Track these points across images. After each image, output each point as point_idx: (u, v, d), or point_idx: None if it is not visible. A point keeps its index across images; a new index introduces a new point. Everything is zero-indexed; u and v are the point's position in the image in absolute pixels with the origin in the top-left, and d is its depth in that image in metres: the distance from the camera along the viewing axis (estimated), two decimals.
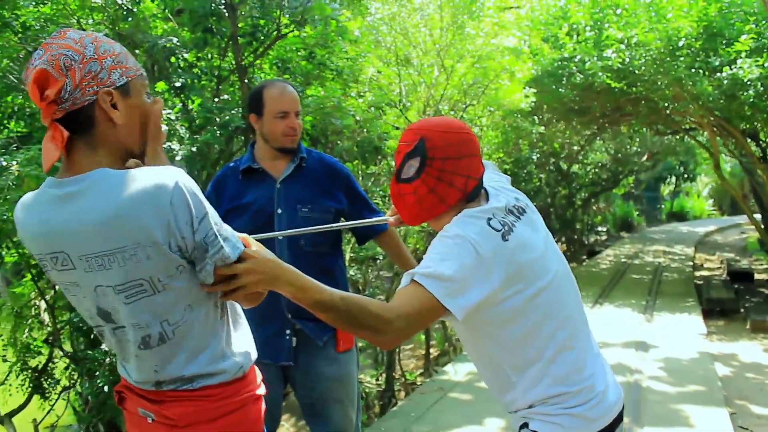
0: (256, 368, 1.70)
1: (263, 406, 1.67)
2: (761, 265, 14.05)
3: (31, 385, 4.78)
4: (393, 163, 8.40)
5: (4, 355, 4.90)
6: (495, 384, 1.79)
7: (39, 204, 1.46)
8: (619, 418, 1.76)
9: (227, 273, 1.46)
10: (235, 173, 2.81)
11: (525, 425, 1.73)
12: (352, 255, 7.72)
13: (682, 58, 8.64)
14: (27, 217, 1.48)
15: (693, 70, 8.70)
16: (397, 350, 8.34)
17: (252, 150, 2.83)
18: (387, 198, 8.92)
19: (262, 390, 1.67)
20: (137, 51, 5.04)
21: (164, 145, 4.31)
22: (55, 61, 1.37)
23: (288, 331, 2.69)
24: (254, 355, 1.67)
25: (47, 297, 4.83)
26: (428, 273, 1.55)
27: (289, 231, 2.47)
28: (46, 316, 5.10)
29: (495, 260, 1.59)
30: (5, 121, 4.68)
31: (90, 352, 4.45)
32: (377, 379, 8.30)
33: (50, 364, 4.90)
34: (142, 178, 1.37)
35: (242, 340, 1.65)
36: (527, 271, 1.65)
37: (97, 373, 4.29)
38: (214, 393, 1.54)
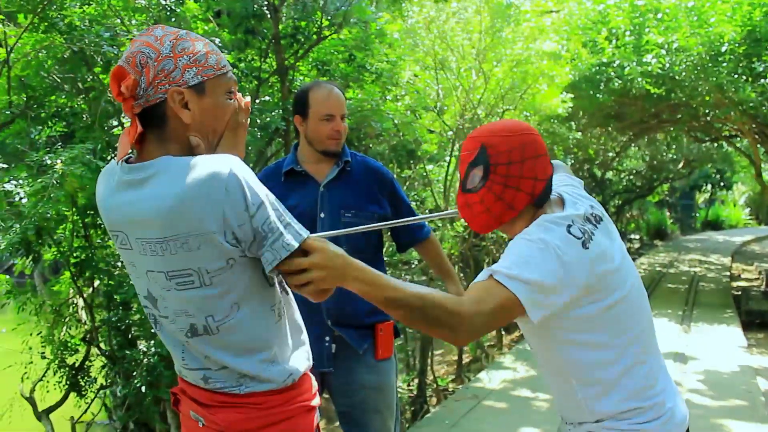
0: (312, 378, 1.65)
1: (317, 417, 1.62)
2: None
3: (68, 382, 4.81)
4: (427, 167, 8.37)
5: (43, 352, 4.94)
6: (560, 394, 1.75)
7: (109, 185, 1.51)
8: None
9: (294, 269, 1.41)
10: (277, 174, 2.74)
11: None
12: (385, 258, 7.68)
13: (724, 64, 8.48)
14: (100, 191, 1.55)
15: (735, 76, 8.53)
16: (430, 355, 8.28)
17: (295, 152, 2.77)
18: (421, 203, 8.88)
19: (316, 401, 1.63)
20: None
21: None
22: (133, 58, 1.41)
23: (327, 338, 2.64)
24: (308, 364, 1.63)
25: (85, 295, 4.87)
26: (512, 274, 1.50)
27: (350, 230, 2.34)
28: (83, 314, 5.13)
29: (577, 268, 1.54)
30: (49, 121, 4.73)
31: (128, 351, 4.47)
32: (409, 385, 8.25)
33: (87, 363, 4.93)
34: (199, 167, 1.38)
35: (297, 349, 1.61)
36: (605, 282, 1.60)
37: (134, 372, 4.30)
38: (262, 401, 1.51)
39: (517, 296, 1.48)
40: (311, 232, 2.63)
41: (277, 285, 1.55)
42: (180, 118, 1.45)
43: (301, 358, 1.61)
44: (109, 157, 4.73)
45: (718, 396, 5.61)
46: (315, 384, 1.66)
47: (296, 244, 1.40)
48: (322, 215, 2.65)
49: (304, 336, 1.67)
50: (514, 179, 1.63)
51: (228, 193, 1.35)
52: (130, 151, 1.47)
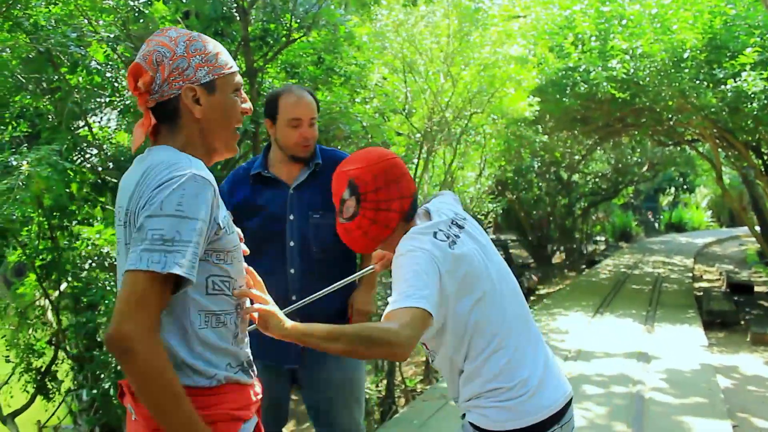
0: (253, 391, 1.64)
1: (246, 429, 1.58)
2: (761, 277, 14.07)
3: (34, 386, 4.76)
4: None
5: (7, 356, 4.88)
6: (447, 380, 2.00)
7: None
8: (557, 416, 1.87)
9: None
10: (246, 177, 2.79)
11: (463, 416, 1.95)
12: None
13: (686, 70, 8.67)
14: None
15: (697, 82, 8.73)
16: None
17: (266, 154, 2.80)
18: None
19: (247, 413, 1.59)
20: None
21: None
22: (149, 56, 1.54)
23: None
24: (241, 374, 1.60)
25: (51, 297, 4.82)
26: (410, 294, 1.69)
27: (306, 299, 2.33)
28: (50, 317, 5.08)
29: (446, 264, 1.77)
30: (14, 122, 4.68)
31: (96, 353, 4.43)
32: (377, 386, 8.28)
33: (54, 366, 4.88)
34: (168, 157, 1.49)
35: (228, 357, 1.58)
36: (470, 278, 1.82)
37: (102, 375, 4.27)
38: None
39: (425, 309, 1.67)
40: (281, 233, 2.65)
41: (205, 292, 1.54)
42: (191, 112, 1.56)
43: (232, 362, 1.58)
44: (75, 158, 4.69)
45: (679, 394, 5.74)
46: (253, 397, 1.63)
47: (135, 267, 1.37)
48: (291, 217, 2.69)
49: (245, 348, 1.66)
50: (384, 202, 1.87)
51: (145, 185, 1.44)
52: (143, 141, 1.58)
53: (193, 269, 1.40)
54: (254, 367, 1.68)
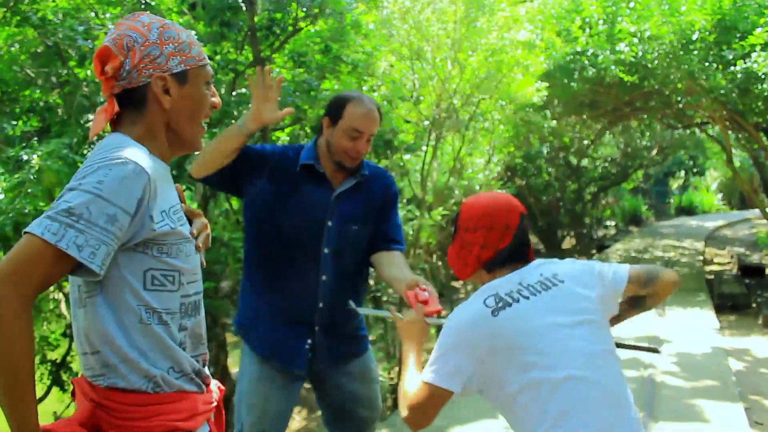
0: (201, 399, 1.52)
1: None
2: None
3: (50, 377, 4.82)
4: (404, 157, 8.41)
5: None
6: None
7: None
8: None
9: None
10: (295, 160, 2.62)
11: None
12: None
13: (695, 52, 8.59)
14: None
15: (706, 64, 8.65)
16: None
17: (315, 147, 2.65)
18: (399, 191, 8.91)
19: (190, 424, 1.46)
20: None
21: None
22: (120, 40, 1.46)
23: (309, 341, 2.61)
24: (184, 382, 1.48)
25: (65, 290, 4.86)
26: (427, 370, 1.86)
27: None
28: (64, 309, 5.13)
29: (481, 337, 1.81)
30: (24, 116, 4.71)
31: None
32: (390, 373, 8.32)
33: (68, 357, 4.94)
34: (108, 143, 1.43)
35: (170, 353, 1.46)
36: (516, 347, 1.80)
37: None
38: (116, 404, 1.40)
39: (438, 386, 1.82)
40: (318, 237, 2.58)
41: (150, 290, 1.44)
42: (159, 102, 1.49)
43: (172, 371, 1.47)
44: (85, 151, 4.72)
45: (691, 377, 5.75)
46: (201, 408, 1.52)
47: (37, 234, 1.28)
48: (330, 223, 2.59)
49: (191, 355, 1.53)
50: (468, 244, 1.97)
51: (89, 166, 1.37)
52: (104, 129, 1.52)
53: (94, 255, 1.30)
54: (205, 378, 1.56)
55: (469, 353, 1.80)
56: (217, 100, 1.61)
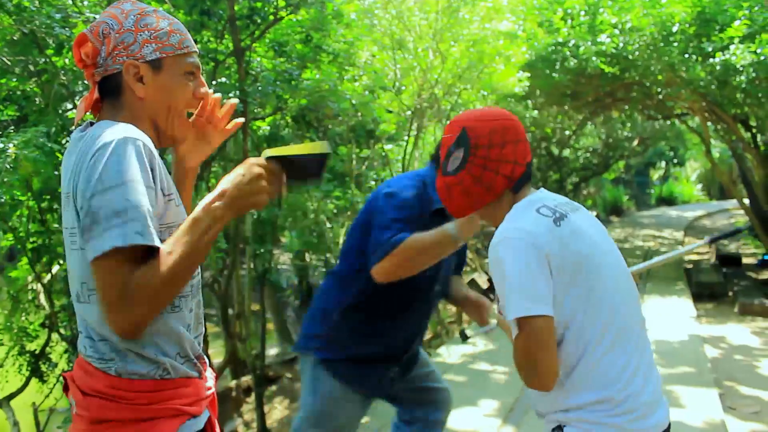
0: (203, 385, 1.54)
1: (192, 425, 1.47)
2: (749, 249, 14.19)
3: (29, 369, 4.79)
4: (386, 147, 8.42)
5: (1, 340, 4.90)
6: None
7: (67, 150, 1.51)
8: None
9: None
10: (426, 205, 2.42)
11: (559, 428, 1.64)
12: (345, 238, 7.74)
13: (675, 44, 8.66)
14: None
15: (686, 56, 8.72)
16: None
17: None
18: (381, 181, 8.93)
19: (194, 409, 1.48)
20: None
21: None
22: (97, 27, 1.47)
23: (396, 370, 2.65)
24: (188, 367, 1.49)
25: (44, 281, 4.83)
26: (528, 306, 1.54)
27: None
28: (42, 300, 5.09)
29: (549, 244, 1.57)
30: (0, 105, 4.65)
31: None
32: None
33: (48, 348, 4.91)
34: (101, 131, 1.38)
35: (178, 338, 1.47)
36: (580, 260, 1.60)
37: None
38: (123, 392, 1.40)
39: (546, 314, 1.54)
40: (435, 280, 2.56)
41: None
42: (134, 90, 1.47)
43: (179, 357, 1.48)
44: (63, 141, 4.67)
45: (668, 364, 5.83)
46: (204, 394, 1.53)
47: (102, 250, 1.28)
48: (443, 264, 2.53)
49: (197, 339, 1.56)
50: (494, 162, 1.67)
51: (89, 163, 1.33)
52: (86, 116, 1.52)
53: (152, 234, 1.31)
54: (203, 363, 1.56)
55: (545, 271, 1.56)
56: (203, 90, 1.58)
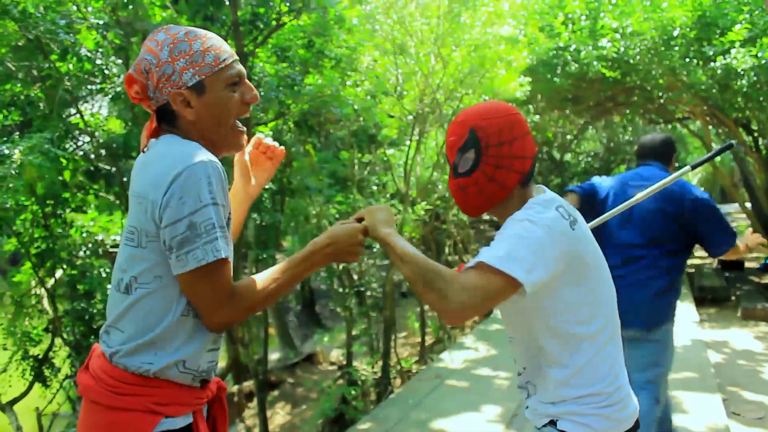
0: (193, 394, 1.57)
1: (168, 423, 1.50)
2: (751, 253, 14.17)
3: (32, 373, 4.79)
4: (387, 152, 8.43)
5: (5, 345, 4.90)
6: (533, 372, 1.76)
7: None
8: (636, 426, 1.74)
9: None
10: None
11: (552, 423, 1.68)
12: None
13: (676, 48, 8.68)
14: None
15: (687, 60, 8.74)
16: (393, 338, 8.39)
17: None
18: (383, 187, 8.94)
19: (172, 410, 1.51)
20: (133, 39, 5.03)
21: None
22: (138, 65, 1.56)
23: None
24: (185, 377, 1.54)
25: (47, 285, 4.84)
26: (501, 255, 1.53)
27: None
28: (46, 305, 5.10)
29: (563, 243, 1.58)
30: (5, 110, 4.67)
31: (92, 340, 4.46)
32: (373, 367, 8.36)
33: (51, 353, 4.91)
34: (177, 149, 1.50)
35: (195, 351, 1.54)
36: (587, 263, 1.65)
37: None
38: (111, 379, 1.49)
39: (512, 276, 1.50)
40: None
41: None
42: (185, 115, 1.56)
43: (178, 366, 1.53)
44: (67, 146, 4.69)
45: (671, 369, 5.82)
46: (192, 400, 1.56)
47: (202, 263, 1.45)
48: None
49: (209, 358, 1.61)
50: (506, 159, 1.68)
51: (170, 188, 1.43)
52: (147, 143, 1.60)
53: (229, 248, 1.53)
54: (209, 378, 1.62)
55: (553, 258, 1.56)
56: (251, 94, 1.63)
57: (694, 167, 2.52)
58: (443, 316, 1.53)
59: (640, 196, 2.57)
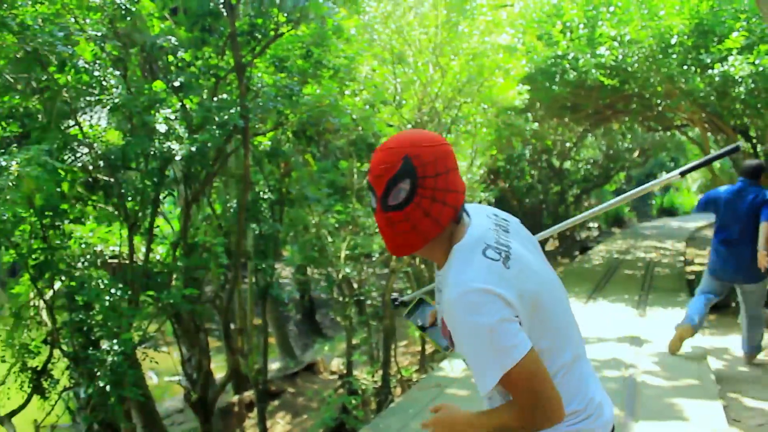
0: None
1: None
2: None
3: (30, 385, 4.78)
4: None
5: (3, 357, 4.89)
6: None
7: None
8: (613, 429, 1.72)
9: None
10: None
11: None
12: (347, 252, 7.75)
13: (674, 56, 8.71)
14: None
15: (685, 67, 8.77)
16: (393, 347, 8.37)
17: None
18: None
19: None
20: (132, 50, 5.05)
21: (164, 145, 4.29)
22: None
23: None
24: None
25: (46, 297, 4.83)
26: (508, 347, 1.45)
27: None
28: (44, 316, 5.09)
29: (509, 292, 1.49)
30: (3, 122, 4.67)
31: (91, 351, 4.46)
32: (373, 376, 8.34)
33: (50, 365, 4.90)
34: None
35: None
36: (534, 296, 1.55)
37: (98, 373, 4.30)
38: None
39: (527, 348, 1.46)
40: None
41: None
42: None
43: None
44: (65, 158, 4.70)
45: (671, 377, 5.81)
46: None
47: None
48: None
49: None
50: (441, 192, 1.53)
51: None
52: None
53: None
54: None
55: (510, 318, 1.48)
56: None
57: (682, 174, 2.45)
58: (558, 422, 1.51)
59: (619, 198, 2.50)
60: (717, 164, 15.26)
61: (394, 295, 2.46)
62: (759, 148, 11.29)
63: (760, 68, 7.68)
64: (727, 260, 5.78)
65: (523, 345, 1.46)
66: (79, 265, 4.90)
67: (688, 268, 13.40)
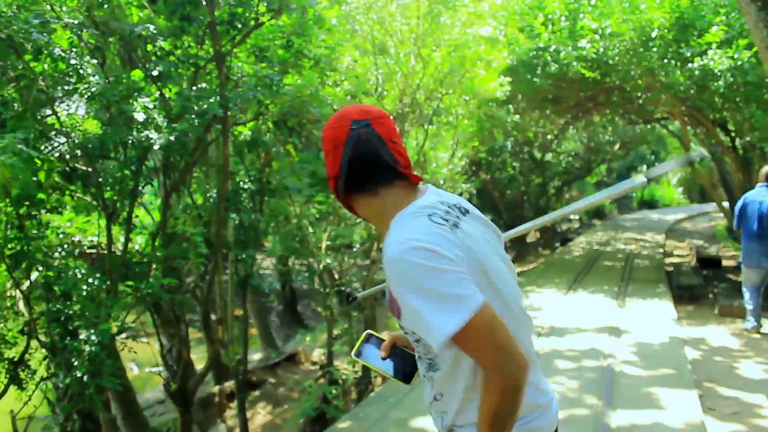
0: None
1: None
2: (728, 251, 14.35)
3: (7, 376, 4.73)
4: None
5: None
6: (441, 398, 1.60)
7: None
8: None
9: None
10: None
11: None
12: (328, 243, 7.75)
13: (654, 49, 8.77)
14: None
15: (665, 61, 8.84)
16: None
17: None
18: None
19: None
20: (111, 39, 4.99)
21: (142, 134, 4.25)
22: None
23: None
24: None
25: (23, 287, 4.78)
26: (456, 296, 1.36)
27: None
28: (22, 306, 5.04)
29: (453, 250, 1.42)
30: None
31: (68, 341, 4.42)
32: (354, 366, 8.35)
33: (27, 355, 4.85)
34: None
35: None
36: (483, 263, 1.49)
37: (76, 363, 4.27)
38: None
39: (481, 299, 1.37)
40: None
41: None
42: None
43: None
44: (42, 147, 4.64)
45: (649, 366, 5.88)
46: None
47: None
48: None
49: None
50: (401, 146, 1.60)
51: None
52: None
53: None
54: None
55: (454, 270, 1.39)
56: None
57: (649, 180, 2.38)
58: (517, 379, 1.36)
59: (577, 204, 2.38)
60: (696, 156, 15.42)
61: (348, 290, 2.40)
62: (737, 141, 11.42)
63: (739, 62, 7.76)
64: (757, 251, 6.87)
65: (477, 296, 1.36)
66: (57, 255, 4.86)
67: (668, 260, 13.55)
